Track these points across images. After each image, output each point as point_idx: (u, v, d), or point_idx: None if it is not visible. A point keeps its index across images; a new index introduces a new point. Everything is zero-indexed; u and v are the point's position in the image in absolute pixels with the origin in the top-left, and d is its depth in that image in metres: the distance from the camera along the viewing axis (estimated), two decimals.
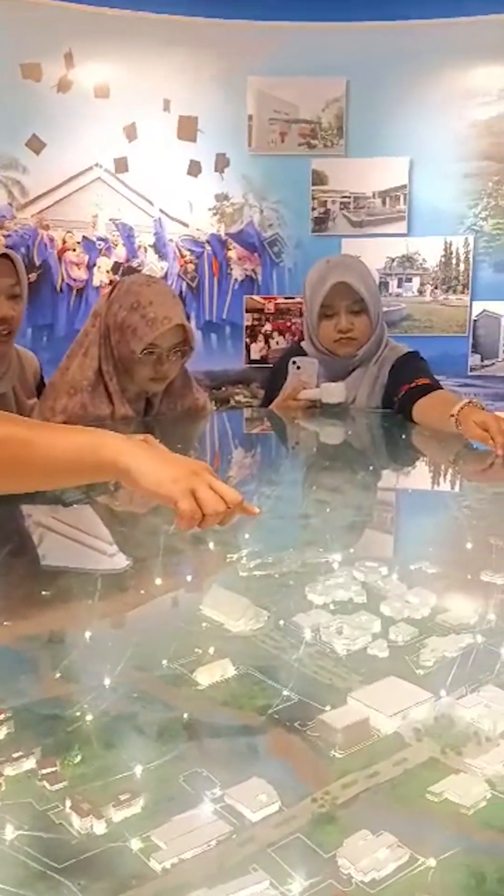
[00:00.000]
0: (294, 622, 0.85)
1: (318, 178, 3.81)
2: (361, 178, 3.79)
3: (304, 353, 2.26)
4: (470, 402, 1.78)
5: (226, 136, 3.75)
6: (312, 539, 1.21)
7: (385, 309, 2.54)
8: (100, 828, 0.55)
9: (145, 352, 1.91)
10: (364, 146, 3.77)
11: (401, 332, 3.67)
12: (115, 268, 3.75)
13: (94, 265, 3.74)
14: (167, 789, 0.59)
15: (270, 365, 3.09)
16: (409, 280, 3.84)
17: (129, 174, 3.71)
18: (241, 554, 1.07)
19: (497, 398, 3.79)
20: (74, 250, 3.72)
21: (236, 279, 3.86)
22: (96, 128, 3.64)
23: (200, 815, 0.55)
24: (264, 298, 3.87)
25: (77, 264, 3.73)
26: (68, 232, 3.71)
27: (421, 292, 3.84)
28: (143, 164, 3.70)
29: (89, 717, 0.68)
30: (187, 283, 3.83)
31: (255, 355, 3.90)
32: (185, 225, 3.80)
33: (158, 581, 1.01)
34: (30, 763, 0.61)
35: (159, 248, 3.80)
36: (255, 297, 3.87)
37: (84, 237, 3.73)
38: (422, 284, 3.83)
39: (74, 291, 3.74)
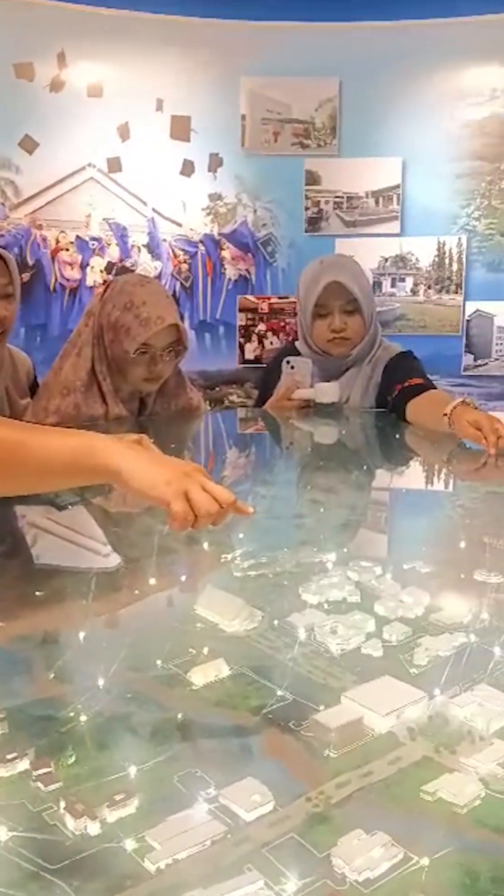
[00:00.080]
0: (288, 622, 0.85)
1: (312, 178, 3.81)
2: (354, 178, 3.79)
3: (298, 353, 2.27)
4: (463, 402, 1.78)
5: (219, 135, 3.75)
6: (306, 539, 1.21)
7: (379, 309, 2.55)
8: (94, 828, 0.54)
9: (139, 352, 1.91)
10: (357, 146, 3.77)
11: (394, 332, 3.68)
12: (109, 268, 3.74)
13: (88, 265, 3.74)
14: (161, 790, 0.59)
15: (264, 365, 3.09)
16: (403, 280, 3.85)
17: (123, 174, 3.71)
18: (235, 554, 1.07)
19: (491, 397, 3.80)
20: (68, 250, 3.72)
21: (230, 279, 3.86)
22: (89, 127, 3.64)
23: (195, 816, 0.55)
24: (258, 298, 3.88)
25: (70, 264, 3.73)
26: (61, 232, 3.70)
27: (414, 292, 3.84)
28: (136, 164, 3.70)
29: (83, 718, 0.68)
30: (181, 283, 3.83)
31: (248, 355, 3.90)
32: (179, 225, 3.80)
33: (152, 581, 1.01)
34: (24, 764, 0.61)
35: (153, 248, 3.80)
36: (249, 297, 3.87)
37: (77, 237, 3.72)
38: (415, 284, 3.84)
39: (68, 291, 3.74)
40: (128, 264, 3.76)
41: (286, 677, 0.74)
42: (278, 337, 3.87)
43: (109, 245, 3.76)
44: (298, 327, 2.30)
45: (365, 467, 1.88)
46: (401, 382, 2.10)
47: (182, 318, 2.87)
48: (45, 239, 3.67)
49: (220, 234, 3.83)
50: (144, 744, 0.65)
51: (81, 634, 0.85)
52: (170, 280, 3.80)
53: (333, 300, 2.17)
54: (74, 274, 3.73)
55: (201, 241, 3.82)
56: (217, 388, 3.84)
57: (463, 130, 3.74)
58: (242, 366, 3.89)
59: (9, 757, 0.61)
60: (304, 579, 0.96)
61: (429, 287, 3.83)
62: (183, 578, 1.07)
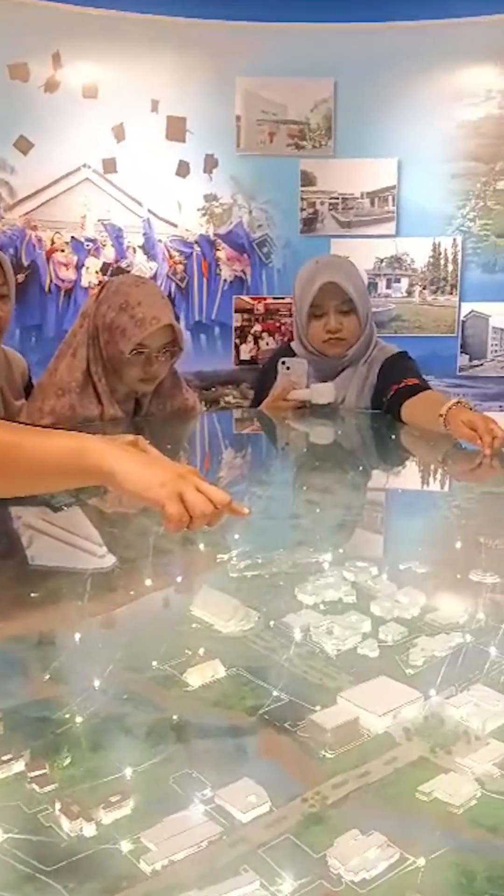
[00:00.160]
0: (284, 622, 0.85)
1: (307, 179, 3.81)
2: (350, 178, 3.79)
3: (294, 354, 2.27)
4: (458, 402, 1.78)
5: (214, 136, 3.75)
6: (303, 539, 1.21)
7: (374, 309, 2.55)
8: (89, 830, 0.54)
9: (134, 352, 1.90)
10: (352, 147, 3.77)
11: (390, 333, 3.68)
12: (104, 268, 3.74)
13: (83, 266, 3.73)
14: (157, 791, 0.58)
15: (260, 365, 3.09)
16: (398, 281, 3.85)
17: (118, 175, 3.71)
18: (231, 554, 1.07)
19: (486, 398, 3.80)
20: (63, 251, 3.71)
21: (225, 280, 3.86)
22: (84, 128, 3.63)
23: (191, 817, 0.55)
24: (253, 299, 3.87)
25: (65, 265, 3.72)
26: (57, 232, 3.70)
27: (409, 293, 3.85)
28: (131, 165, 3.69)
29: (79, 719, 0.67)
30: (176, 284, 3.83)
31: (244, 356, 3.90)
32: (174, 225, 3.80)
33: (148, 582, 1.01)
34: (19, 766, 0.61)
35: (148, 249, 3.79)
36: (245, 298, 3.87)
37: (73, 238, 3.72)
38: (410, 285, 3.84)
39: (63, 292, 3.73)
40: (123, 265, 3.76)
41: (282, 678, 0.74)
42: (274, 338, 3.87)
43: (105, 246, 3.75)
44: (294, 328, 2.30)
45: (361, 468, 1.88)
46: (396, 383, 2.10)
47: (177, 318, 2.87)
48: (40, 240, 3.67)
49: (215, 235, 3.83)
50: (140, 745, 0.64)
51: (77, 635, 0.85)
52: (165, 281, 3.80)
53: (329, 301, 2.17)
54: (70, 275, 3.73)
55: (197, 242, 3.82)
56: (213, 389, 3.84)
57: (458, 131, 3.74)
58: (238, 366, 3.89)
59: (4, 758, 0.61)
60: (300, 580, 0.96)
61: (424, 288, 3.83)
62: (179, 579, 1.07)
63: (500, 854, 0.52)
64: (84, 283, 3.72)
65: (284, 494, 1.58)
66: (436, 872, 0.50)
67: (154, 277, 3.72)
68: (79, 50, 3.57)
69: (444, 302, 3.83)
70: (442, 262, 3.81)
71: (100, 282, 3.55)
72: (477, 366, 3.86)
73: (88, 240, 3.73)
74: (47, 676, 0.76)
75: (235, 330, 3.88)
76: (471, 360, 3.85)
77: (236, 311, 3.87)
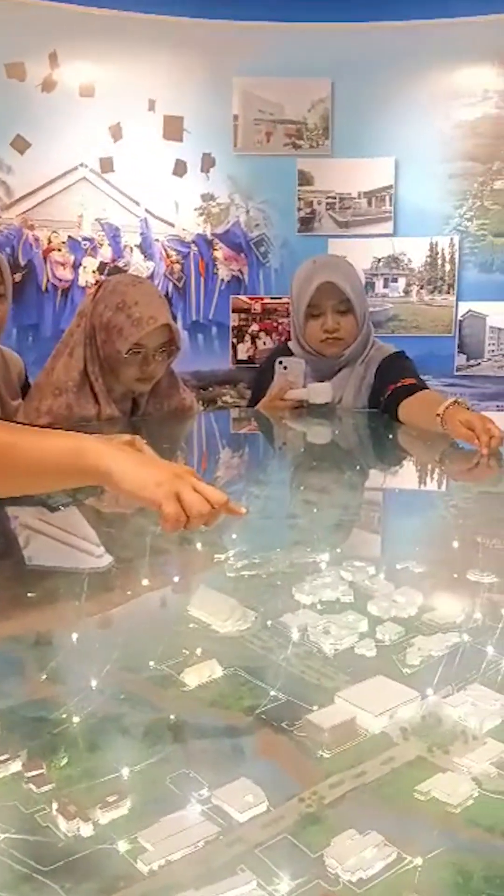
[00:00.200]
0: (281, 622, 0.85)
1: (304, 179, 3.81)
2: (347, 178, 3.79)
3: (291, 353, 2.27)
4: (455, 402, 1.78)
5: (211, 135, 3.75)
6: (300, 539, 1.21)
7: (371, 309, 2.55)
8: (86, 830, 0.54)
9: (131, 352, 1.90)
10: (349, 146, 3.78)
11: (387, 333, 3.68)
12: (101, 268, 3.74)
13: (80, 265, 3.73)
14: (154, 791, 0.58)
15: (257, 365, 3.09)
16: (395, 280, 3.85)
17: (115, 174, 3.70)
18: (228, 554, 1.07)
19: (483, 398, 3.81)
20: (60, 250, 3.71)
21: (223, 279, 3.86)
22: (81, 127, 3.63)
23: (188, 817, 0.55)
24: (251, 298, 3.87)
25: (62, 264, 3.72)
26: (54, 232, 3.69)
27: (407, 293, 3.85)
28: (128, 164, 3.69)
29: (76, 719, 0.67)
30: (173, 284, 3.82)
31: (241, 355, 3.90)
32: (171, 225, 3.80)
33: (145, 582, 1.01)
34: (16, 766, 0.61)
35: (145, 249, 3.79)
36: (242, 298, 3.87)
37: (69, 237, 3.72)
38: (408, 285, 3.85)
39: (60, 291, 3.73)
40: (120, 264, 3.75)
41: (279, 678, 0.74)
42: (271, 337, 3.87)
43: (102, 245, 3.75)
44: (291, 327, 2.30)
45: (358, 467, 1.88)
46: (393, 383, 2.10)
47: (175, 318, 2.86)
48: (37, 239, 3.66)
49: (212, 235, 3.83)
50: (137, 745, 0.64)
51: (74, 635, 0.84)
52: (162, 280, 3.80)
53: (326, 300, 2.17)
54: (66, 274, 3.73)
55: (194, 242, 3.82)
56: (210, 389, 3.84)
57: (455, 131, 3.74)
58: (235, 366, 3.89)
59: (1, 759, 0.61)
60: (298, 579, 0.96)
61: (421, 287, 3.84)
62: (176, 579, 1.07)
63: (498, 853, 0.52)
64: (81, 282, 3.72)
65: (282, 494, 1.58)
66: (433, 872, 0.50)
67: (151, 277, 3.71)
68: (76, 49, 3.57)
69: (442, 302, 3.83)
70: (439, 261, 3.81)
71: (97, 281, 3.54)
72: (474, 365, 3.86)
73: (85, 239, 3.73)
74: (44, 676, 0.76)
75: (233, 329, 3.88)
76: (468, 359, 3.85)
77: (233, 311, 3.87)
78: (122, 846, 0.53)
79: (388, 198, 3.79)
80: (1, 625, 0.90)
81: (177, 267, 3.82)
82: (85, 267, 3.74)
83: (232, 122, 3.76)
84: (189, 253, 3.82)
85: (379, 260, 3.84)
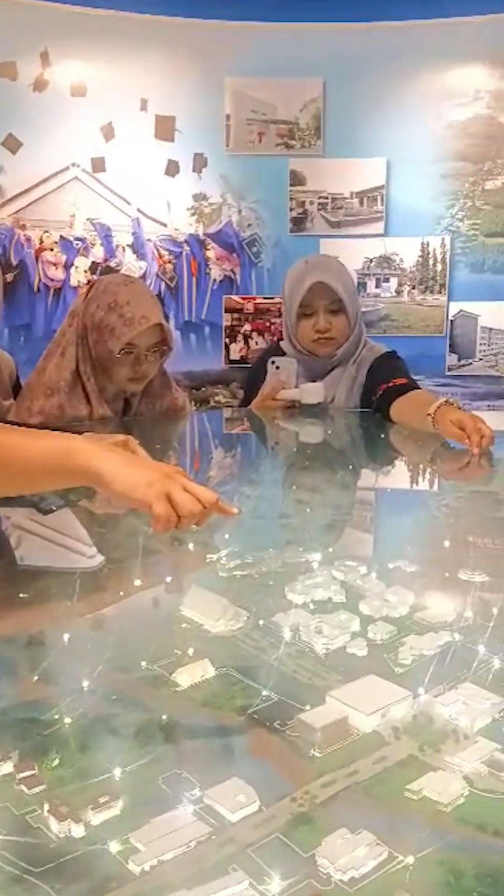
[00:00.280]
0: (273, 622, 0.85)
1: (296, 179, 3.81)
2: (339, 178, 3.80)
3: (283, 353, 2.27)
4: (446, 402, 1.79)
5: (203, 135, 3.75)
6: (292, 539, 1.21)
7: (363, 309, 2.55)
8: (78, 831, 0.54)
9: (123, 351, 1.90)
10: (341, 147, 3.78)
11: (379, 333, 3.69)
12: (93, 268, 3.73)
13: (72, 265, 3.73)
14: (146, 791, 0.58)
15: (250, 365, 3.09)
16: (387, 280, 3.86)
17: (107, 174, 3.70)
18: (220, 554, 1.07)
19: (475, 397, 3.82)
20: (52, 250, 3.70)
21: (215, 279, 3.86)
22: (73, 127, 3.63)
23: (179, 817, 0.55)
24: (243, 298, 3.87)
25: (54, 264, 3.71)
26: (45, 232, 3.69)
27: (398, 293, 3.86)
28: (120, 164, 3.69)
29: (68, 720, 0.67)
30: (166, 283, 3.82)
31: (234, 355, 3.90)
32: (164, 225, 3.79)
33: (137, 582, 1.01)
34: (7, 767, 0.61)
35: (137, 248, 3.79)
36: (234, 297, 3.87)
37: (61, 237, 3.71)
38: (399, 285, 3.86)
39: (52, 291, 3.72)
40: (112, 264, 3.75)
41: (271, 677, 0.74)
42: (263, 337, 3.87)
43: (94, 245, 3.75)
44: (283, 327, 2.30)
45: (350, 467, 1.88)
46: (385, 382, 2.10)
47: (167, 318, 2.86)
48: (29, 239, 3.66)
49: (204, 235, 3.83)
50: (129, 745, 0.64)
51: (66, 636, 0.84)
52: (155, 280, 3.79)
53: (318, 300, 2.18)
54: (59, 274, 3.72)
55: (186, 242, 3.82)
56: (203, 389, 3.84)
57: (447, 131, 3.76)
58: (228, 366, 3.89)
59: None
60: (290, 579, 0.96)
61: (413, 287, 3.85)
62: (168, 579, 1.07)
63: (489, 852, 0.52)
64: (73, 282, 3.72)
65: (274, 494, 1.58)
66: (424, 871, 0.50)
67: (143, 277, 3.71)
68: (67, 49, 3.57)
69: (433, 301, 3.84)
70: (431, 261, 3.82)
71: (89, 281, 3.54)
72: (465, 365, 3.87)
73: (77, 239, 3.72)
74: (36, 677, 0.76)
75: (225, 329, 3.88)
76: (459, 359, 3.87)
77: (226, 311, 3.87)
78: (114, 847, 0.53)
79: (379, 198, 3.79)
80: None
81: (169, 267, 3.82)
82: (77, 267, 3.73)
83: (224, 121, 3.76)
84: (181, 253, 3.82)
85: (371, 260, 3.84)
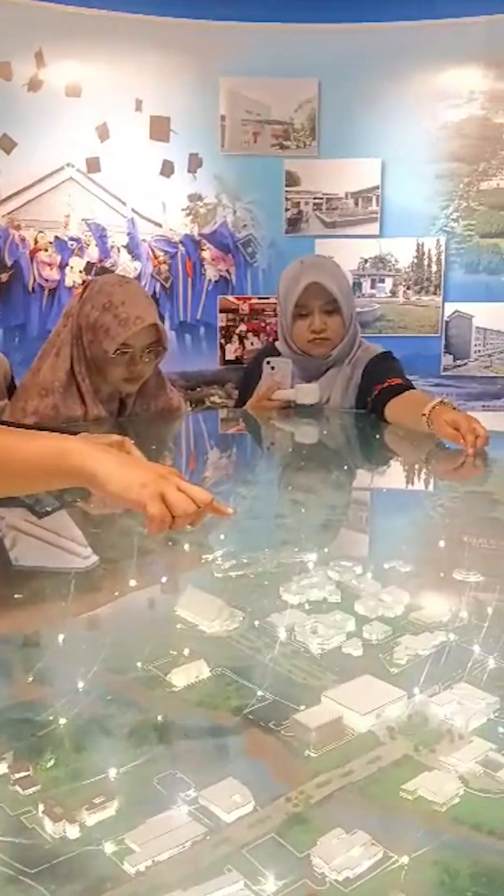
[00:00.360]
0: (269, 622, 0.85)
1: (291, 179, 3.81)
2: (334, 179, 3.80)
3: (279, 354, 2.27)
4: (441, 402, 1.79)
5: (198, 136, 3.74)
6: (287, 539, 1.21)
7: (358, 309, 2.55)
8: (73, 832, 0.54)
9: (118, 352, 1.90)
10: (336, 147, 3.78)
11: (374, 333, 3.69)
12: (88, 268, 3.72)
13: (67, 265, 3.72)
14: (141, 792, 0.58)
15: (245, 365, 3.09)
16: (382, 281, 3.86)
17: (102, 174, 3.69)
18: (215, 554, 1.07)
19: (470, 398, 3.82)
20: (47, 250, 3.69)
21: (210, 280, 3.86)
22: (68, 127, 3.62)
23: (175, 817, 0.55)
24: (238, 299, 3.87)
25: (49, 264, 3.70)
26: (40, 232, 3.68)
27: (394, 293, 3.86)
28: (115, 164, 3.68)
29: (62, 721, 0.67)
30: (161, 284, 3.82)
31: (229, 356, 3.90)
32: (159, 225, 3.79)
33: (133, 582, 1.01)
34: (2, 768, 0.61)
35: (132, 249, 3.78)
36: (230, 298, 3.87)
37: (56, 237, 3.70)
38: (394, 285, 3.86)
39: (47, 292, 3.71)
40: (107, 265, 3.74)
41: (266, 677, 0.74)
42: (259, 337, 3.87)
43: (89, 245, 3.74)
44: (279, 328, 2.30)
45: (345, 467, 1.88)
46: (380, 383, 2.10)
47: (162, 318, 2.86)
48: (23, 239, 3.65)
49: (200, 235, 3.82)
50: (124, 746, 0.64)
51: (60, 637, 0.84)
52: (149, 280, 3.79)
53: (313, 301, 2.18)
54: (53, 274, 3.71)
55: (181, 242, 3.82)
56: (198, 389, 3.83)
57: (441, 132, 3.76)
58: (223, 366, 3.89)
59: None
60: (285, 579, 0.96)
61: (408, 288, 3.85)
62: (163, 579, 1.06)
63: (483, 852, 0.52)
64: (68, 282, 3.71)
65: (269, 494, 1.58)
66: (419, 870, 0.50)
67: (138, 277, 3.71)
68: (62, 49, 3.56)
69: (428, 302, 3.85)
70: (426, 262, 3.82)
71: (83, 281, 3.53)
72: (460, 366, 3.87)
73: (72, 239, 3.72)
74: (31, 678, 0.76)
75: (220, 330, 3.88)
76: (454, 359, 3.87)
77: (221, 311, 3.87)
78: (109, 847, 0.53)
79: (374, 198, 3.80)
80: None
81: (164, 267, 3.81)
82: (72, 267, 3.72)
83: (219, 122, 3.76)
84: (176, 253, 3.82)
85: (366, 260, 3.85)
